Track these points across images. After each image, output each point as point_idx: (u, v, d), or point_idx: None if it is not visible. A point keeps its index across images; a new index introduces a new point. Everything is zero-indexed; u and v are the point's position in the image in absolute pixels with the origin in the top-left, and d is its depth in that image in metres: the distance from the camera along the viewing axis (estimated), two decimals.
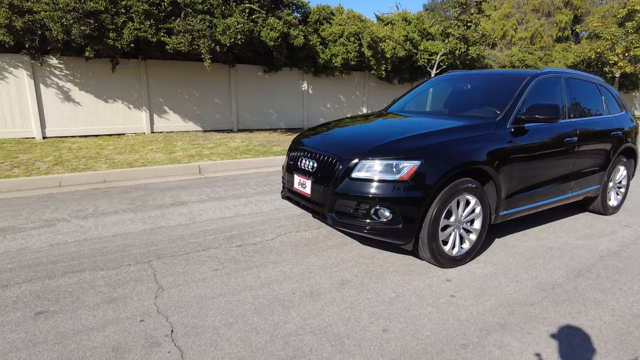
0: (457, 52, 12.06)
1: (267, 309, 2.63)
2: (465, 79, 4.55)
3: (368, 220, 3.03)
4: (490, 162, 3.25)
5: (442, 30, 12.97)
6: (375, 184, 2.98)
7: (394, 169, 2.97)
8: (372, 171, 3.01)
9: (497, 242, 3.91)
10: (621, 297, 2.91)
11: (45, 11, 7.56)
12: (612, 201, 4.83)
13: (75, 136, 9.27)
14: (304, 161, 3.51)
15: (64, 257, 3.40)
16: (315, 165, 3.36)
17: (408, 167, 2.95)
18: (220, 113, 11.39)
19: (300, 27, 10.82)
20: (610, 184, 4.78)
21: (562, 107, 4.06)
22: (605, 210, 4.74)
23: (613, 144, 4.50)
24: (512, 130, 3.51)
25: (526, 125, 3.61)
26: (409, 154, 2.98)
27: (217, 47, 8.99)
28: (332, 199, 3.13)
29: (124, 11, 8.17)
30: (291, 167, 3.70)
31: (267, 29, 10.00)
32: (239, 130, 11.73)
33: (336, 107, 13.48)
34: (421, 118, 3.96)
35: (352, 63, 11.83)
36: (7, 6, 7.46)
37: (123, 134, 9.94)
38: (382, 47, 11.89)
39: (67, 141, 8.77)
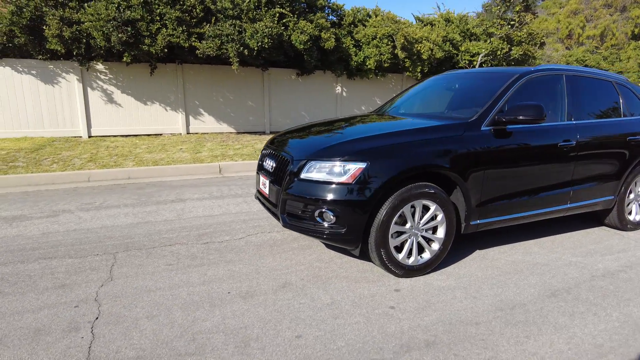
0: (498, 52, 11.32)
1: (194, 306, 2.65)
2: (458, 78, 4.26)
3: (314, 223, 2.94)
4: (454, 166, 3.01)
5: (483, 30, 12.25)
6: (320, 186, 2.89)
7: (339, 171, 2.86)
8: (319, 172, 2.92)
9: (477, 253, 3.60)
10: (590, 323, 2.55)
11: (90, 21, 8.29)
12: (634, 215, 4.25)
13: (117, 136, 10.03)
14: (267, 161, 3.51)
15: (47, 244, 3.69)
16: (274, 165, 3.34)
17: (353, 169, 2.83)
18: (253, 115, 11.71)
19: (331, 30, 10.82)
20: (631, 196, 4.21)
21: (560, 108, 3.67)
22: (623, 225, 4.18)
23: (631, 150, 3.96)
24: (492, 132, 3.23)
25: (509, 127, 3.31)
26: (355, 156, 2.86)
27: (245, 51, 9.26)
28: (284, 200, 3.09)
29: (158, 18, 8.71)
30: (259, 167, 3.71)
31: (298, 32, 10.13)
32: (271, 132, 11.97)
33: (371, 110, 13.27)
34: (399, 119, 3.77)
35: (386, 65, 11.58)
36: (58, 18, 8.29)
37: (160, 134, 10.58)
38: (418, 48, 11.52)
39: (107, 140, 9.53)
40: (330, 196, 2.84)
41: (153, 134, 10.50)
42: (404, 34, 10.94)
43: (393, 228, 2.93)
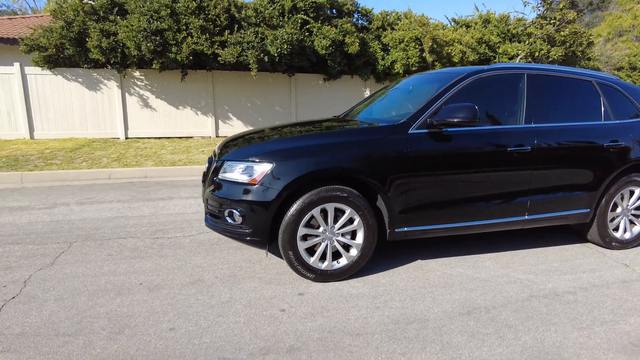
0: (536, 54, 10.48)
1: (102, 293, 2.82)
2: (417, 80, 4.06)
3: (226, 223, 2.99)
4: (368, 170, 2.90)
5: (520, 30, 11.43)
6: (232, 186, 2.94)
7: (248, 172, 2.88)
8: (231, 173, 2.97)
9: (417, 263, 3.40)
10: (487, 346, 2.31)
11: (124, 32, 9.07)
12: (621, 232, 3.74)
13: (151, 138, 10.80)
14: (207, 163, 3.62)
15: (25, 231, 4.11)
16: (207, 165, 3.45)
17: (259, 170, 2.84)
18: (280, 120, 11.97)
19: (355, 34, 10.76)
20: (618, 210, 3.71)
21: (516, 110, 3.36)
22: (606, 242, 3.70)
23: (610, 158, 3.51)
24: (425, 135, 3.06)
25: (448, 130, 3.10)
26: (262, 157, 2.87)
27: (265, 57, 9.54)
28: (206, 199, 3.18)
29: (184, 28, 9.30)
30: None
31: (320, 37, 10.22)
32: None
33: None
34: (341, 124, 3.68)
35: (414, 69, 11.25)
36: (99, 30, 9.18)
37: (191, 137, 11.21)
38: (449, 51, 11.05)
39: (140, 142, 10.30)
40: (238, 196, 2.88)
41: (184, 137, 11.16)
42: (432, 37, 10.57)
43: (302, 230, 2.88)
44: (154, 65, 9.50)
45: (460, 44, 11.16)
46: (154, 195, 5.85)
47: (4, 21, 13.06)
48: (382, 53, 11.44)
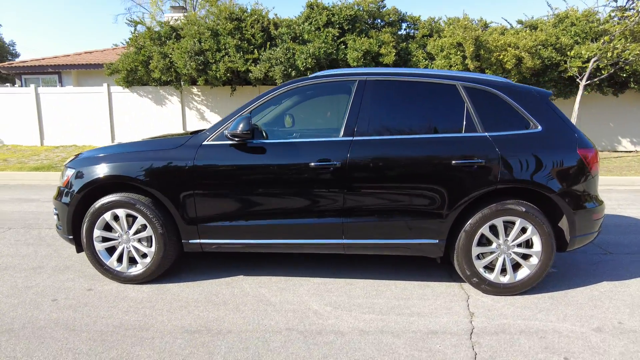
0: (609, 54, 8.53)
1: None
2: None
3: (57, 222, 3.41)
4: (148, 180, 3.01)
5: (589, 28, 9.42)
6: (58, 188, 3.34)
7: (64, 176, 3.26)
8: (62, 177, 3.37)
9: (231, 279, 3.31)
10: None
11: (176, 54, 10.46)
12: (496, 274, 2.98)
13: None
14: None
15: None
16: None
17: (67, 175, 3.20)
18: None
19: (392, 43, 10.38)
20: (493, 245, 2.99)
21: (338, 121, 3.05)
22: (474, 284, 3.04)
23: (460, 179, 2.87)
24: (222, 147, 3.05)
25: (251, 142, 3.03)
26: (71, 163, 3.24)
27: (293, 72, 9.91)
28: None
29: (223, 47, 10.27)
30: None
31: (352, 50, 10.18)
32: None
33: None
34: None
35: None
36: (158, 53, 10.76)
37: None
38: (500, 57, 9.81)
39: None
40: (56, 197, 3.28)
41: None
42: (474, 42, 9.55)
43: (97, 232, 3.12)
44: (199, 82, 10.69)
45: (517, 48, 9.79)
46: None
47: (91, 53, 16.22)
48: (425, 62, 10.76)
